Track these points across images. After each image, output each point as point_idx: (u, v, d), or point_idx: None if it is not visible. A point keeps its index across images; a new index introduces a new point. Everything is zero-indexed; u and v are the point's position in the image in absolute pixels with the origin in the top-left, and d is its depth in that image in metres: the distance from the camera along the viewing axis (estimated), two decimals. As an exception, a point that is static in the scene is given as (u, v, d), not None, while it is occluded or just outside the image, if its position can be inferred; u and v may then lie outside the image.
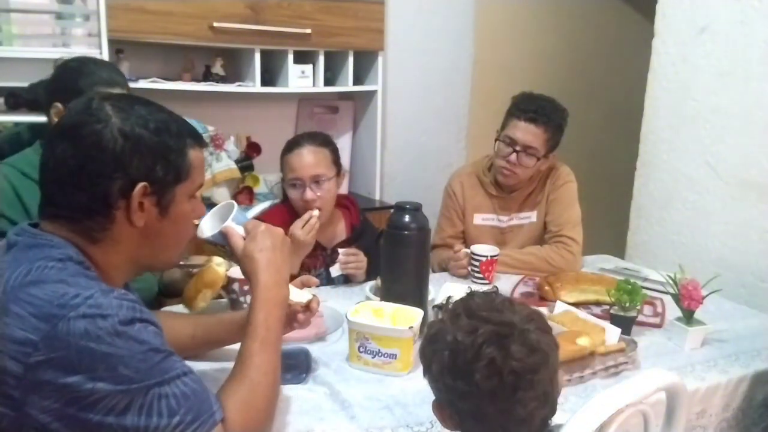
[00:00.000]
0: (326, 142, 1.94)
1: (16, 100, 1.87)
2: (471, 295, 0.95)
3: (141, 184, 0.96)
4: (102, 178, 0.94)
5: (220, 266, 1.56)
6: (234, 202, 1.22)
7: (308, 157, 1.87)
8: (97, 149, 0.93)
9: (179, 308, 1.66)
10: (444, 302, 0.97)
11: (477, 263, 1.91)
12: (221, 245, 1.19)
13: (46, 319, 0.84)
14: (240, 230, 1.16)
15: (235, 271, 1.65)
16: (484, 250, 1.93)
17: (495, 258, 1.92)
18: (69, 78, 1.56)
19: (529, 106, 2.04)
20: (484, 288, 1.83)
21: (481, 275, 1.91)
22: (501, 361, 0.84)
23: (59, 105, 1.53)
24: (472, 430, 0.91)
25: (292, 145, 1.91)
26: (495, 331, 0.86)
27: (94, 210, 0.95)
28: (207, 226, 1.19)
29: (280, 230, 1.16)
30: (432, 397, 1.14)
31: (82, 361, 0.83)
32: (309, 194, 1.84)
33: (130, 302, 0.90)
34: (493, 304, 0.92)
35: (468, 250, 1.96)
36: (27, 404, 0.83)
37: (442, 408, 0.93)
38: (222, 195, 2.62)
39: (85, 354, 0.83)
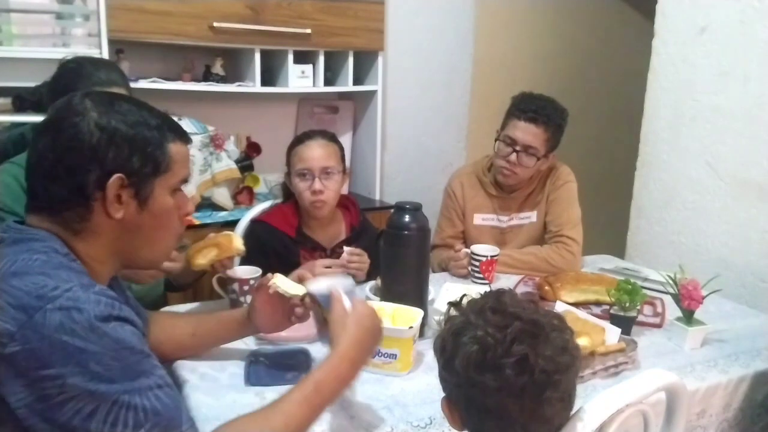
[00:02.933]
0: (335, 139, 1.97)
1: (22, 102, 1.86)
2: (499, 292, 0.94)
3: (116, 176, 0.96)
4: (78, 170, 0.95)
5: (237, 239, 1.57)
6: (352, 279, 1.24)
7: (319, 150, 1.89)
8: (74, 141, 0.95)
9: (180, 308, 1.67)
10: (459, 299, 0.98)
11: (477, 263, 1.91)
12: (318, 303, 1.20)
13: (24, 309, 0.84)
14: (347, 302, 1.14)
15: (237, 271, 1.65)
16: (483, 250, 1.93)
17: (495, 258, 1.92)
18: (67, 80, 1.56)
19: (529, 106, 2.04)
20: (484, 288, 1.84)
21: (481, 275, 1.91)
22: (533, 359, 0.83)
23: None
24: (488, 429, 0.89)
25: (302, 138, 1.94)
26: (526, 328, 0.85)
27: (72, 201, 0.96)
28: (317, 284, 1.22)
29: (381, 323, 1.14)
30: (433, 395, 1.14)
31: (54, 353, 0.82)
32: (318, 185, 1.85)
33: (108, 299, 0.89)
34: (521, 302, 0.91)
35: (468, 250, 1.96)
36: (2, 396, 0.83)
37: (452, 406, 0.93)
38: (222, 195, 2.62)
39: (57, 346, 0.83)
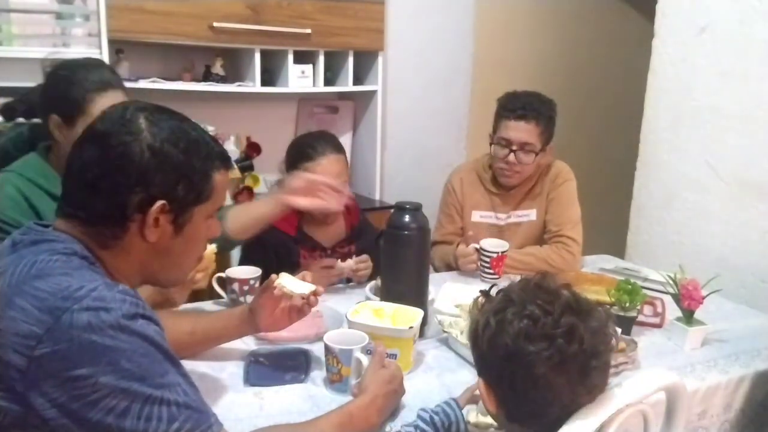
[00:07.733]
0: (341, 146, 1.95)
1: (12, 112, 1.83)
2: (541, 273, 1.00)
3: (160, 202, 0.96)
4: (123, 189, 0.94)
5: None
6: (367, 337, 1.28)
7: (337, 166, 1.87)
8: (123, 161, 0.94)
9: (179, 308, 1.66)
10: (488, 289, 1.06)
11: (487, 259, 1.91)
12: (333, 355, 1.24)
13: (50, 311, 0.84)
14: (364, 360, 1.22)
15: (237, 271, 1.65)
16: (493, 245, 1.93)
17: (505, 254, 1.92)
18: (61, 88, 1.50)
19: (515, 105, 2.04)
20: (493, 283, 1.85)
21: (491, 270, 1.91)
22: (582, 330, 0.90)
23: (56, 117, 1.48)
24: (530, 402, 0.92)
25: (312, 155, 1.86)
26: (571, 303, 0.93)
27: (109, 218, 0.96)
28: (336, 337, 1.27)
29: (402, 389, 1.21)
30: (433, 395, 1.13)
31: (85, 353, 0.82)
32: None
33: (133, 298, 0.90)
34: (560, 284, 0.98)
35: (477, 246, 1.95)
36: (31, 398, 0.83)
37: (489, 386, 0.96)
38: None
39: (87, 346, 0.83)
